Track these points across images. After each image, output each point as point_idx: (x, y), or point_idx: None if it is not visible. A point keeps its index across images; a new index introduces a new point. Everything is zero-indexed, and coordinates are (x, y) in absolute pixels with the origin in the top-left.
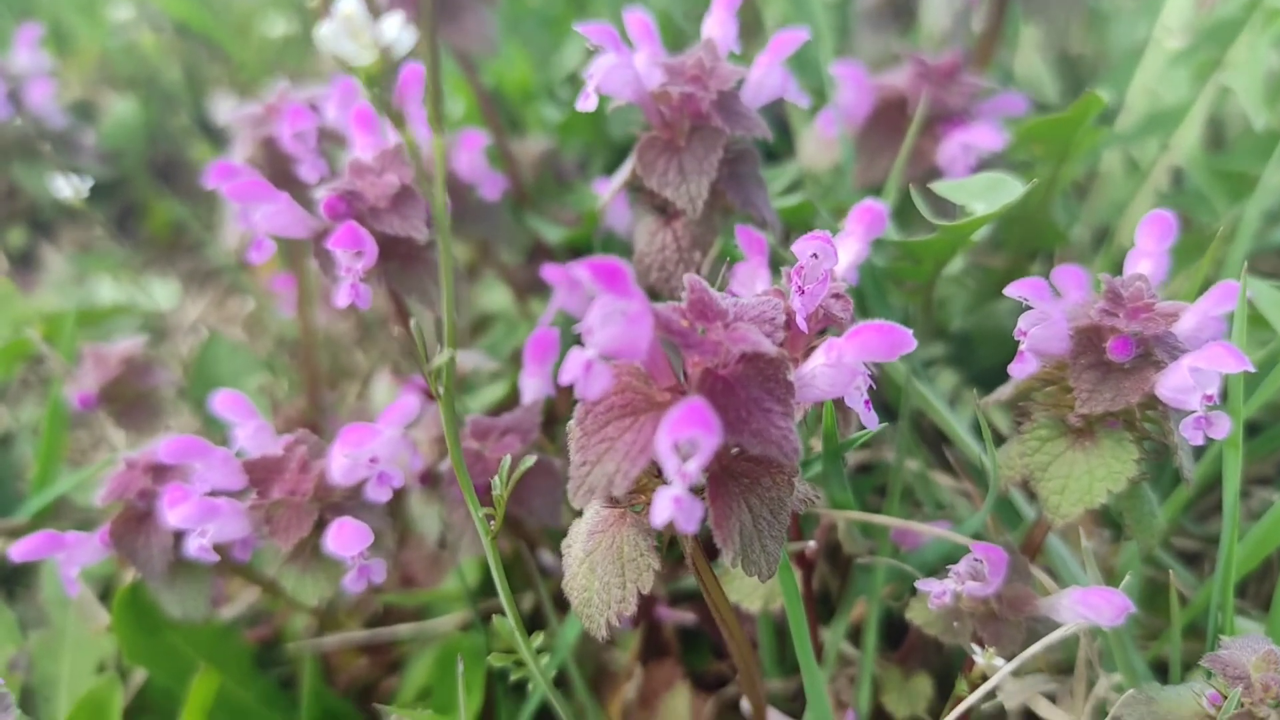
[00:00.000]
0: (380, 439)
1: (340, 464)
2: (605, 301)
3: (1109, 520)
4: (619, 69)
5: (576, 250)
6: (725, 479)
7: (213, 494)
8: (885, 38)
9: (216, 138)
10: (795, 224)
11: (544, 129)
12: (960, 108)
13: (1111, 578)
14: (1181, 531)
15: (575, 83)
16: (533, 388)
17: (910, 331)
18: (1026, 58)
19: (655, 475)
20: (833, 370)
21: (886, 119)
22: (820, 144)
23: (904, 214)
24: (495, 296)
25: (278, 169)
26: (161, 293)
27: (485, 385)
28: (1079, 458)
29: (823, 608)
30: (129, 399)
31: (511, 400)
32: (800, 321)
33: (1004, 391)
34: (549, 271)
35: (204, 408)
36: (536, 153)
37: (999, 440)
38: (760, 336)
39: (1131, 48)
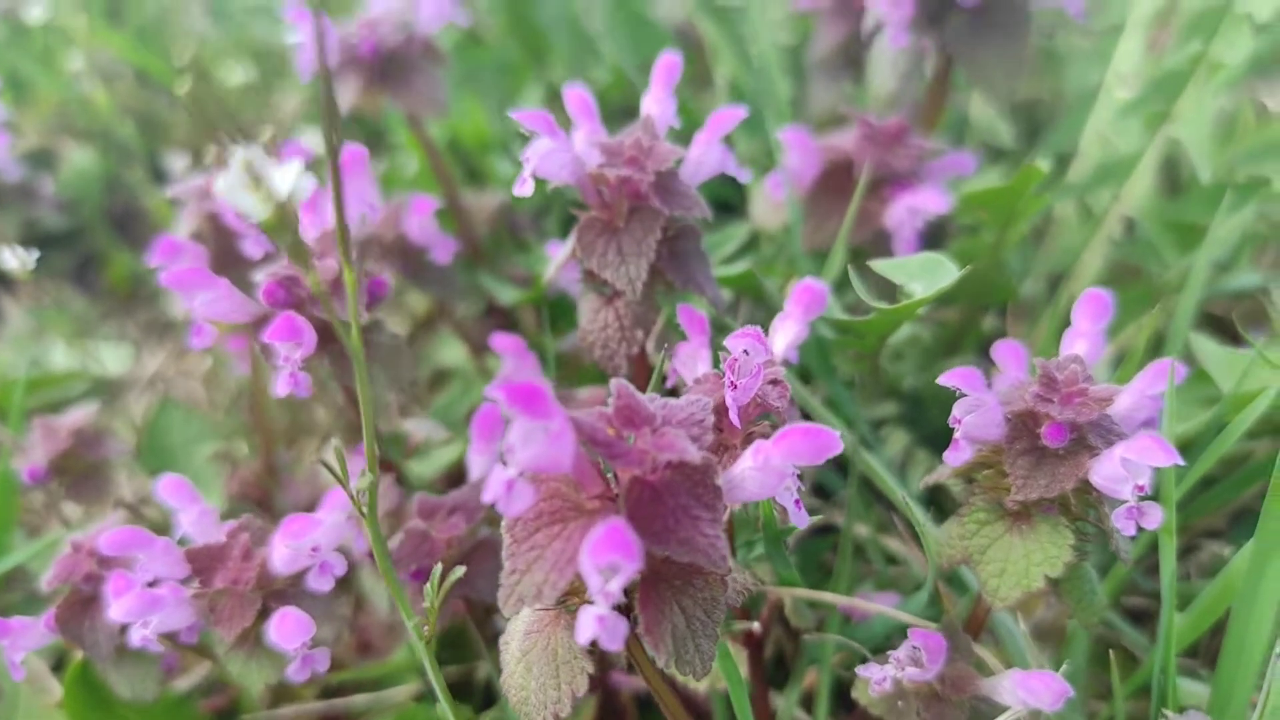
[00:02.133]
0: (321, 529)
1: (281, 554)
2: (524, 422)
3: (1056, 586)
4: (555, 153)
5: (535, 308)
6: (656, 582)
7: (155, 583)
8: (839, 86)
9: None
10: (742, 289)
11: (501, 182)
12: (907, 170)
13: (1062, 639)
14: (1131, 588)
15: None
16: (480, 465)
17: (838, 434)
18: (981, 102)
19: None
20: (760, 473)
21: (834, 181)
22: (770, 204)
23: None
24: (451, 352)
25: (222, 244)
26: (113, 356)
27: (438, 447)
28: (1016, 542)
29: (777, 671)
30: (80, 471)
31: (465, 465)
32: (733, 415)
33: (943, 472)
34: (498, 341)
35: (157, 476)
36: (492, 206)
37: (948, 513)
38: (687, 444)
39: (1085, 92)
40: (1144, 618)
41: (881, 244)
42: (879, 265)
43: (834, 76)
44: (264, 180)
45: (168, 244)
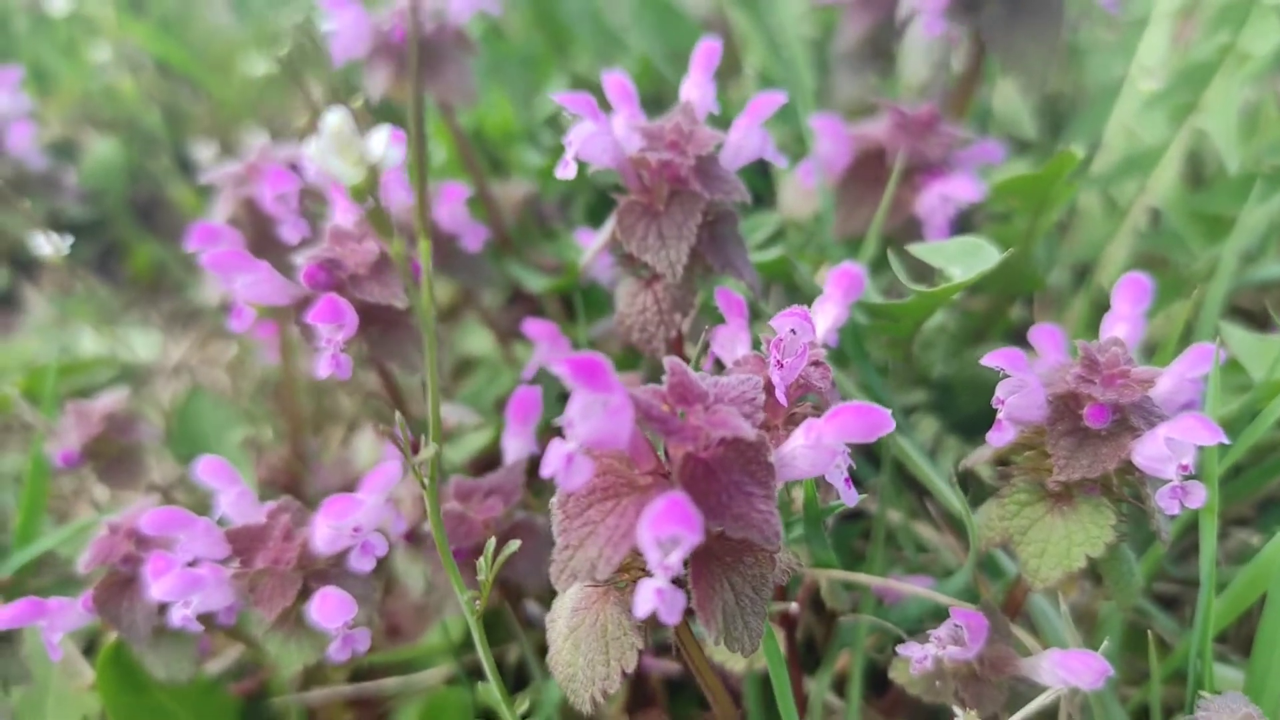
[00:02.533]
0: (363, 509)
1: (324, 534)
2: (585, 395)
3: (1091, 571)
4: (597, 137)
5: (560, 297)
6: (708, 559)
7: (195, 563)
8: (864, 78)
9: (197, 178)
10: (775, 276)
11: (526, 172)
12: (938, 158)
13: (1094, 625)
14: (1161, 574)
15: (556, 124)
16: (515, 448)
17: (888, 412)
18: (1005, 95)
19: (639, 553)
20: (812, 451)
21: (865, 169)
22: (800, 193)
23: (885, 263)
24: (477, 340)
25: (259, 229)
26: (142, 343)
27: (469, 432)
28: (1057, 522)
29: (808, 655)
30: (112, 455)
31: (495, 449)
32: (780, 394)
33: (983, 454)
34: (531, 327)
35: (187, 462)
36: (518, 196)
37: (978, 499)
38: (740, 421)
39: (1109, 85)
40: (1174, 604)
41: (912, 231)
42: (918, 249)
43: (859, 68)
44: (356, 145)
45: (205, 229)
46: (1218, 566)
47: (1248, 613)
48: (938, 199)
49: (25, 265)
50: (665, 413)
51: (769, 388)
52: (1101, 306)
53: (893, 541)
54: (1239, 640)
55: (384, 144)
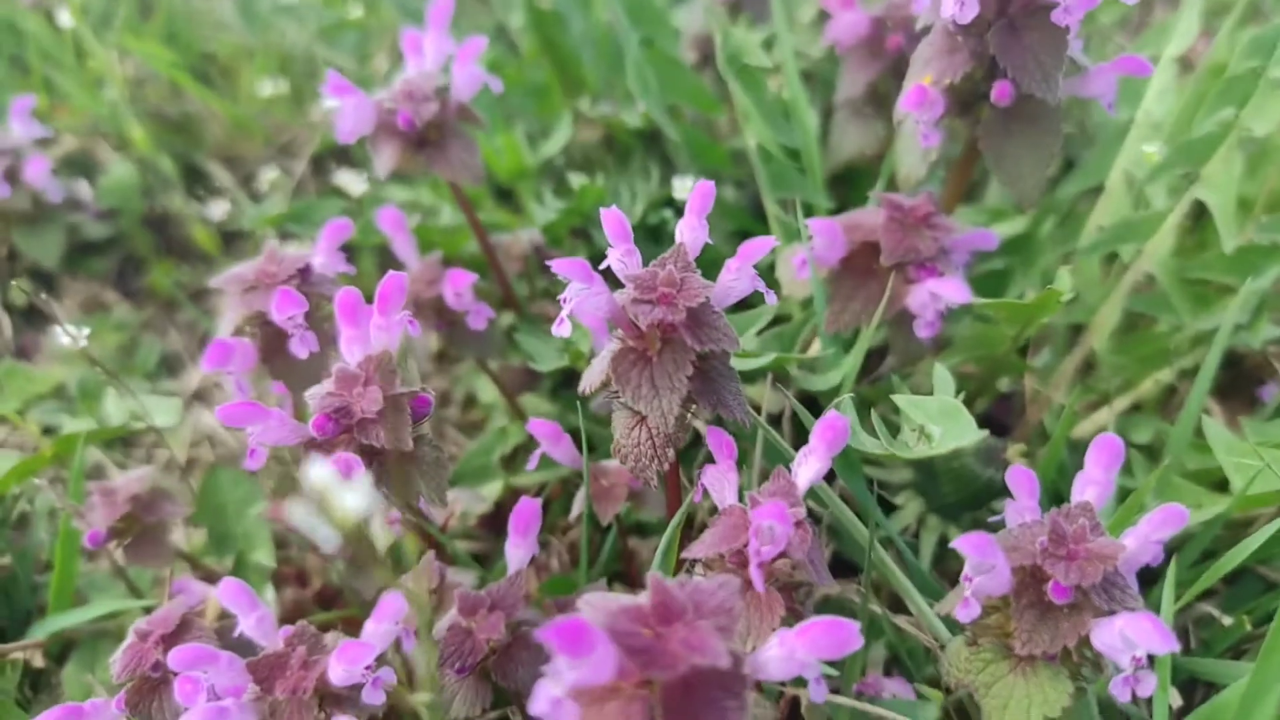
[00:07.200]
0: (374, 653)
1: (338, 673)
2: (570, 660)
3: None
4: (591, 297)
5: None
6: None
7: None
8: (867, 127)
9: (209, 193)
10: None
11: (533, 220)
12: (932, 253)
13: None
14: None
15: (568, 153)
16: (517, 558)
17: (856, 628)
18: None
19: None
20: (785, 662)
21: (859, 261)
22: (796, 277)
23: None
24: (485, 387)
25: (269, 335)
26: (161, 409)
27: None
28: (1020, 683)
29: None
30: (137, 533)
31: (498, 516)
32: (757, 584)
33: (952, 603)
34: (535, 427)
35: (210, 534)
36: (522, 245)
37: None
38: (718, 648)
39: (1114, 129)
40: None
41: (903, 321)
42: (900, 401)
43: (862, 117)
44: (337, 503)
45: (217, 348)
46: (1182, 655)
47: None
48: (928, 295)
49: (46, 278)
50: (647, 643)
51: (746, 569)
52: (1090, 368)
53: (874, 629)
54: None
55: (363, 499)
